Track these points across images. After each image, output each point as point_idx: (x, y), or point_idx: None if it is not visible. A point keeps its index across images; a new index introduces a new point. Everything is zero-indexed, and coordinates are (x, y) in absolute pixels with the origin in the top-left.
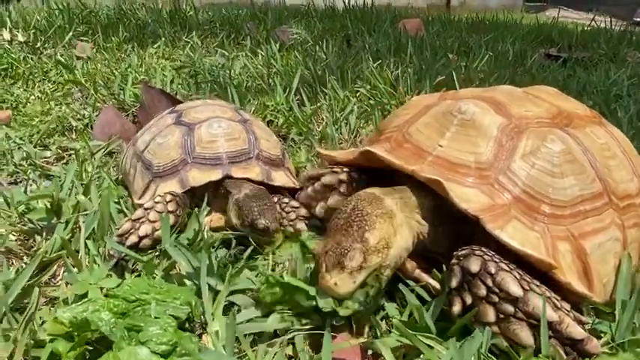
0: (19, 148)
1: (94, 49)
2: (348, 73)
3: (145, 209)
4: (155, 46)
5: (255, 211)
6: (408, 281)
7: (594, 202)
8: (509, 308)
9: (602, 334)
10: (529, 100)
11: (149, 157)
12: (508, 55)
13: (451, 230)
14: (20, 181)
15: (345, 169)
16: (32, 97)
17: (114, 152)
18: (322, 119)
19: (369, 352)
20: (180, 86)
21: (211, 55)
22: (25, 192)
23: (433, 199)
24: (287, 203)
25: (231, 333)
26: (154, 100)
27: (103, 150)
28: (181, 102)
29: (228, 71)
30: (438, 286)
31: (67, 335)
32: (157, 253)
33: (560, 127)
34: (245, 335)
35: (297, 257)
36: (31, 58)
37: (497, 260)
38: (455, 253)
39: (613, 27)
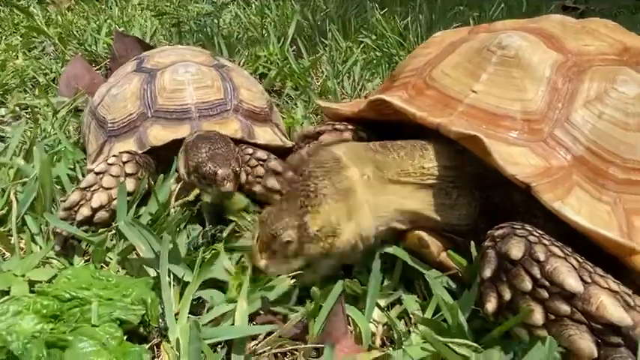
0: None
1: (73, 0)
2: (352, 22)
3: (97, 174)
4: None
5: (203, 153)
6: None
7: None
8: (564, 307)
9: None
10: (586, 32)
11: (103, 112)
12: (522, 6)
13: (483, 197)
14: None
15: (349, 126)
16: None
17: (80, 110)
18: (322, 72)
19: None
20: (162, 37)
21: (198, 3)
22: None
23: (461, 157)
24: (251, 154)
25: (195, 348)
26: (128, 49)
27: (67, 107)
28: None
29: (215, 19)
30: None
31: None
32: (110, 231)
33: (630, 65)
34: (216, 346)
35: None
36: (2, 11)
37: (548, 242)
38: (489, 232)
39: None
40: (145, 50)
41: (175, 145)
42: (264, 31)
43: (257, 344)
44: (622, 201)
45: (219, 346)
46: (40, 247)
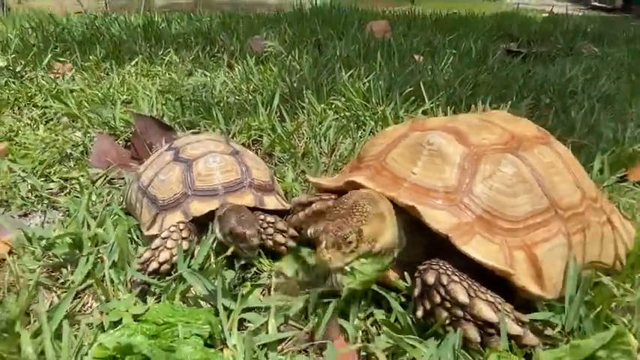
0: (23, 181)
1: (74, 70)
2: (324, 86)
3: (163, 238)
4: (132, 63)
5: (233, 220)
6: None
7: (543, 216)
8: (459, 312)
9: (555, 325)
10: (485, 127)
11: (154, 192)
12: (471, 53)
13: (426, 242)
14: (29, 213)
15: (332, 196)
16: (22, 124)
17: (113, 179)
18: (302, 133)
19: (363, 353)
20: (164, 107)
21: (188, 70)
22: (42, 226)
23: (410, 216)
24: (263, 219)
25: (250, 347)
26: (147, 127)
27: (102, 178)
28: (171, 127)
29: (210, 91)
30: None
31: (110, 358)
32: (174, 278)
33: (511, 151)
34: (259, 347)
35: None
36: (14, 83)
37: (450, 273)
38: (418, 267)
39: (571, 14)
40: (160, 126)
41: (209, 213)
42: (250, 97)
43: (284, 345)
44: (507, 242)
45: (259, 348)
46: (121, 292)
